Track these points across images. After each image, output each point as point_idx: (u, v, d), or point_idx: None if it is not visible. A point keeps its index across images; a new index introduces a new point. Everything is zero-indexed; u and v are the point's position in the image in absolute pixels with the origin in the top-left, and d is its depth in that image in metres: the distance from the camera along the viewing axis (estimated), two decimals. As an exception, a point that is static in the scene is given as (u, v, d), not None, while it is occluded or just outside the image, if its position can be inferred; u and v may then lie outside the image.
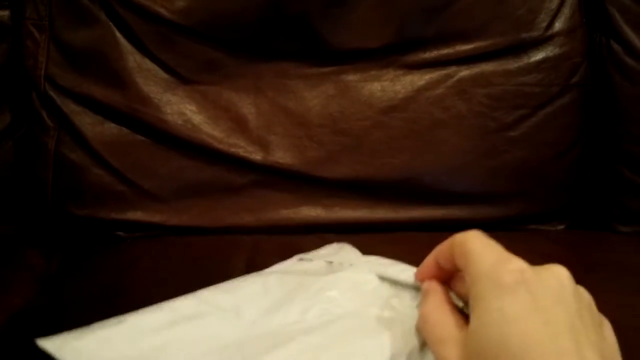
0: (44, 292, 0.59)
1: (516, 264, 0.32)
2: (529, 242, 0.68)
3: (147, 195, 0.71)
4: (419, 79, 0.73)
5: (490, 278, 0.32)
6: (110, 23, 0.71)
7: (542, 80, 0.74)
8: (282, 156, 0.72)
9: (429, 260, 0.39)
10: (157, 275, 0.58)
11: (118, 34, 0.71)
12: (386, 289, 0.42)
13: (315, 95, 0.73)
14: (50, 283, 0.61)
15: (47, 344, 0.37)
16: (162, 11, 0.70)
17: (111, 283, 0.58)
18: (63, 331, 0.48)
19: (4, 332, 0.52)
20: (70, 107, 0.71)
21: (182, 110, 0.71)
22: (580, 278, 0.59)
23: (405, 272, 0.42)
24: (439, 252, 0.38)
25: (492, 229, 0.72)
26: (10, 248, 0.66)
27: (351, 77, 0.73)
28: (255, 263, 0.59)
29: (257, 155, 0.71)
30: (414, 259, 0.61)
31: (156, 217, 0.71)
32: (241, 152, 0.71)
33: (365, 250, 0.64)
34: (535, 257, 0.59)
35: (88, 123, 0.71)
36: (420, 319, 0.36)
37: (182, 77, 0.72)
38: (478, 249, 0.34)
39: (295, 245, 0.62)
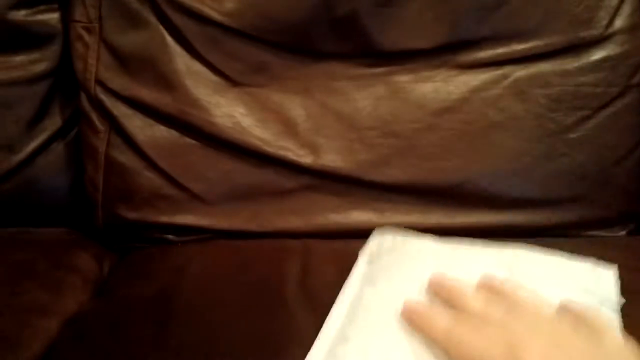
0: (97, 296, 0.59)
1: None
2: (590, 249, 0.65)
3: (196, 198, 0.70)
4: (473, 79, 0.71)
5: None
6: (160, 26, 0.70)
7: (602, 80, 0.71)
8: (331, 159, 0.70)
9: None
10: (210, 279, 0.58)
11: (167, 37, 0.70)
12: None
13: (365, 96, 0.71)
14: (102, 287, 0.61)
15: None
16: (212, 13, 0.69)
17: (163, 287, 0.57)
18: (118, 335, 0.48)
19: (60, 336, 0.52)
20: (121, 110, 0.71)
21: (231, 112, 0.71)
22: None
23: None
24: None
25: (550, 235, 0.71)
26: (62, 251, 0.66)
27: (402, 78, 0.71)
28: (309, 269, 0.58)
29: (306, 159, 0.70)
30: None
31: (205, 221, 0.70)
32: (290, 155, 0.70)
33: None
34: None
35: (138, 126, 0.71)
36: None
37: (231, 80, 0.71)
38: None
39: (348, 250, 0.61)
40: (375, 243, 0.60)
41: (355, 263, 0.57)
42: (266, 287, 0.55)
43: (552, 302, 0.43)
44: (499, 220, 0.70)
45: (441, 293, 0.44)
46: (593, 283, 0.53)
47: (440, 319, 0.41)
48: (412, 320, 0.43)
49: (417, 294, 0.48)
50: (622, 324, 0.48)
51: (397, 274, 0.53)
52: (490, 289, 0.44)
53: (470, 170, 0.70)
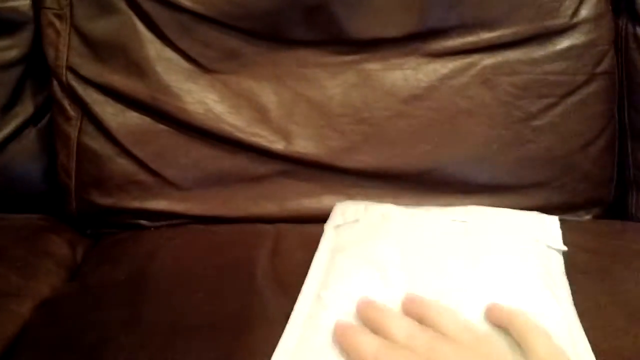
0: (71, 280, 0.60)
1: None
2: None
3: (169, 184, 0.71)
4: (442, 67, 0.72)
5: None
6: (131, 12, 0.70)
7: (567, 68, 0.73)
8: (303, 146, 0.71)
9: None
10: (182, 262, 0.59)
11: (139, 23, 0.70)
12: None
13: (336, 84, 0.72)
14: (76, 271, 0.61)
15: None
16: (182, 0, 0.70)
17: (136, 271, 0.58)
18: (90, 317, 0.49)
19: (33, 320, 0.52)
20: (92, 97, 0.71)
21: (203, 99, 0.71)
22: (606, 267, 0.59)
23: None
24: None
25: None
26: (36, 237, 0.66)
27: (373, 66, 0.72)
28: (280, 251, 0.59)
29: (278, 145, 0.71)
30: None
31: (178, 206, 0.71)
32: (263, 141, 0.71)
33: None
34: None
35: (110, 113, 0.71)
36: None
37: (202, 66, 0.71)
38: None
39: (318, 233, 0.62)
40: (339, 214, 0.64)
41: (322, 235, 0.58)
42: (236, 269, 0.55)
43: (476, 323, 0.44)
44: (467, 205, 0.71)
45: (367, 322, 0.45)
46: (540, 230, 0.60)
47: (368, 345, 0.41)
48: (342, 343, 0.43)
49: (386, 256, 0.51)
50: (573, 298, 0.51)
51: (365, 238, 0.55)
52: (416, 314, 0.44)
53: (439, 156, 0.71)
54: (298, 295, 0.49)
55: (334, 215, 0.65)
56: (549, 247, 0.57)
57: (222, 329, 0.47)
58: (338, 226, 0.61)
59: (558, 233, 0.61)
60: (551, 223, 0.63)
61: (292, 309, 0.48)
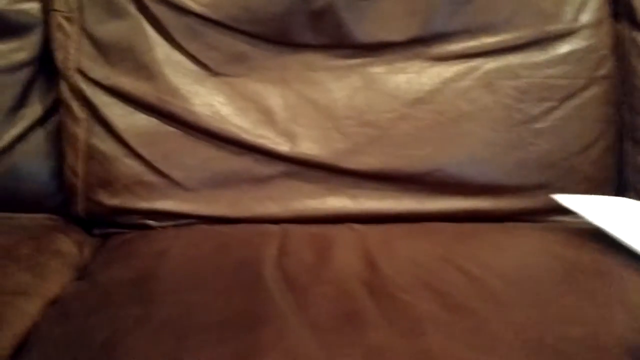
0: (79, 279, 0.61)
1: None
2: (557, 233, 0.68)
3: (176, 185, 0.72)
4: (445, 71, 0.74)
5: None
6: (140, 16, 0.72)
7: (568, 72, 0.74)
8: (308, 147, 0.72)
9: None
10: (191, 262, 0.60)
11: (147, 27, 0.72)
12: None
13: (341, 87, 0.74)
14: (84, 270, 0.62)
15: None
16: (190, 4, 0.71)
17: (145, 270, 0.59)
18: (100, 315, 0.49)
19: (44, 318, 0.53)
20: (101, 99, 0.72)
21: (210, 101, 0.72)
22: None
23: None
24: None
25: (517, 220, 0.74)
26: (45, 236, 0.67)
27: (377, 69, 0.74)
28: (287, 250, 0.60)
29: (284, 147, 0.72)
30: (439, 250, 0.62)
31: (185, 207, 0.72)
32: (268, 143, 0.72)
33: (391, 240, 0.65)
34: (567, 248, 0.59)
35: (118, 114, 0.72)
36: None
37: (210, 69, 0.73)
38: None
39: (324, 234, 0.63)
40: (577, 205, 0.67)
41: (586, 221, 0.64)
42: (245, 268, 0.56)
43: None
44: (469, 206, 0.73)
45: None
46: None
47: None
48: None
49: None
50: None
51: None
52: None
53: (441, 158, 0.73)
54: (307, 293, 0.50)
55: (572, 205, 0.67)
56: None
57: (233, 327, 0.48)
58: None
59: None
60: None
61: (300, 306, 0.49)
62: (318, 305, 0.50)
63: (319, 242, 0.60)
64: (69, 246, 0.67)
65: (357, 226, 0.68)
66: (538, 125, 0.73)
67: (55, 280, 0.60)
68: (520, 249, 0.65)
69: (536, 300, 0.52)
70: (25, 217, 0.71)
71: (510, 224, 0.71)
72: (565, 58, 0.74)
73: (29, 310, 0.54)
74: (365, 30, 0.73)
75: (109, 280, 0.58)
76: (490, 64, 0.73)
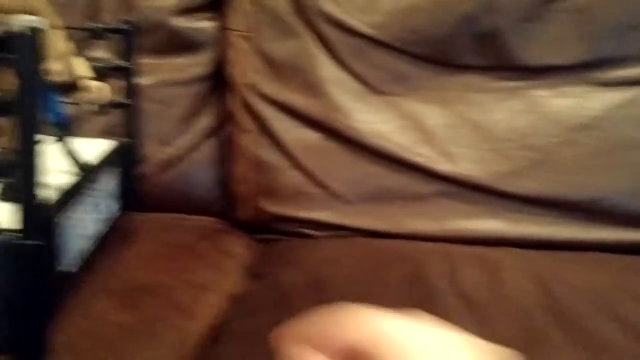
0: (252, 280, 0.64)
1: None
2: None
3: (334, 197, 0.75)
4: (612, 96, 0.72)
5: None
6: (310, 36, 0.76)
7: None
8: (467, 168, 0.73)
9: None
10: (358, 272, 0.61)
11: (316, 47, 0.76)
12: None
13: (502, 109, 0.74)
14: (255, 271, 0.66)
15: None
16: (360, 25, 0.74)
17: (313, 277, 0.61)
18: (281, 314, 0.52)
19: (229, 312, 0.57)
20: (269, 113, 0.77)
21: (371, 119, 0.75)
22: None
23: None
24: None
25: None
26: (216, 237, 0.72)
27: (540, 93, 0.73)
28: (456, 268, 0.61)
29: (442, 166, 0.73)
30: (603, 280, 0.60)
31: (342, 218, 0.75)
32: (427, 161, 0.73)
33: (561, 267, 0.63)
34: None
35: (285, 128, 0.76)
36: None
37: (372, 88, 0.75)
38: None
39: (487, 255, 0.63)
40: None
41: None
42: (415, 283, 0.58)
43: None
44: (636, 238, 0.70)
45: None
46: None
47: None
48: None
49: None
50: None
51: None
52: None
53: (607, 187, 0.71)
54: (486, 311, 0.50)
55: None
56: None
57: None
58: None
59: None
60: None
61: (480, 323, 0.49)
62: (499, 322, 0.50)
63: (485, 263, 0.60)
64: (239, 248, 0.71)
65: (518, 250, 0.67)
66: None
67: (231, 278, 0.64)
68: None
69: None
70: (195, 219, 0.77)
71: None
72: None
73: (214, 304, 0.58)
74: (530, 53, 0.72)
75: (282, 282, 0.61)
76: (661, 91, 0.71)
